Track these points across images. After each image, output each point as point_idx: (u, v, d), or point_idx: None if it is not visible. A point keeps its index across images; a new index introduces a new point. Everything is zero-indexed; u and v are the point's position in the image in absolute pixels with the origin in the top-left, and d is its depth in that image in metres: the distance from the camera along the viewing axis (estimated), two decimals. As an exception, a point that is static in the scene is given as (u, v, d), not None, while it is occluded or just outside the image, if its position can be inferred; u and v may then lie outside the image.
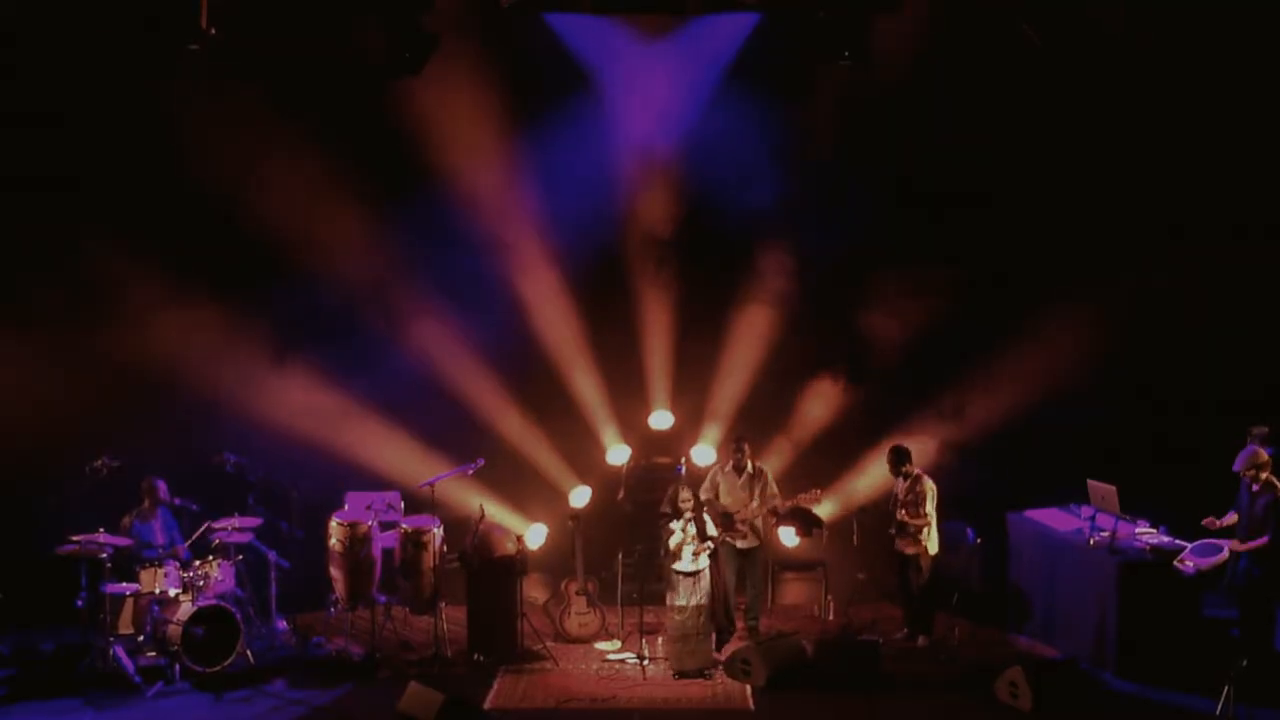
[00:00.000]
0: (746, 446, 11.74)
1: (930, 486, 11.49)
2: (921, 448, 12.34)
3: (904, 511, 11.50)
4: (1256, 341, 12.98)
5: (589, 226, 13.40)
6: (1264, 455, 10.52)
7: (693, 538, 10.91)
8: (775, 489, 11.73)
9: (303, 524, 12.11)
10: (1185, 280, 13.25)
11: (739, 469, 11.69)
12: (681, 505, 10.99)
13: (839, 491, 13.05)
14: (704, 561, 10.97)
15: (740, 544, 11.64)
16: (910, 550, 11.54)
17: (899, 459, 11.64)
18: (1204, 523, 10.74)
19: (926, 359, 13.37)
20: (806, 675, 10.80)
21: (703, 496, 11.58)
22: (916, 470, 11.61)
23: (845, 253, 13.51)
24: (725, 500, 11.64)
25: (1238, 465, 10.58)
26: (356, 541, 11.57)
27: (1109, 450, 12.77)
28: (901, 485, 11.61)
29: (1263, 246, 12.98)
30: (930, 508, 11.46)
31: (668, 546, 10.99)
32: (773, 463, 12.48)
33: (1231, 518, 10.70)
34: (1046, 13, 11.99)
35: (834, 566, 12.75)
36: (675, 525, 10.97)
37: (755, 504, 11.58)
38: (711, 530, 11.09)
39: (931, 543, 11.54)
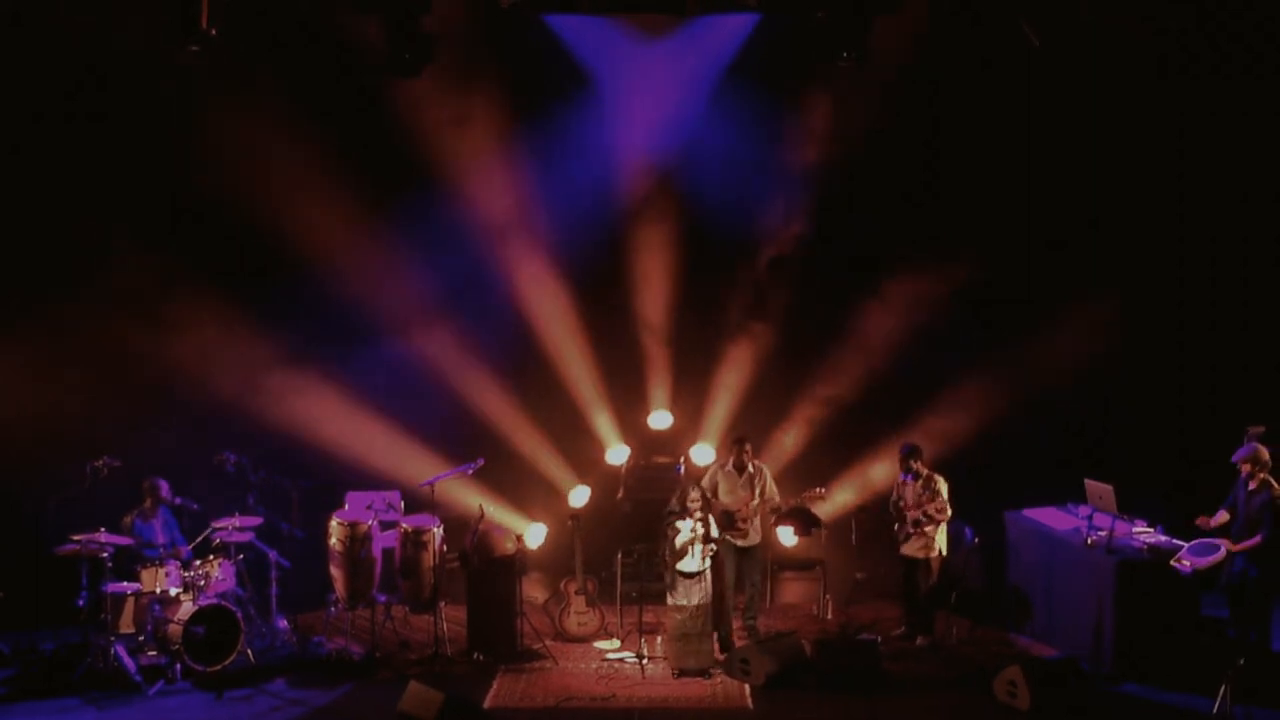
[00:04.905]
0: (748, 446, 11.78)
1: (944, 484, 11.51)
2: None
3: (930, 508, 11.45)
4: (1254, 340, 13.02)
5: (589, 226, 13.42)
6: (1265, 454, 10.53)
7: (700, 538, 10.94)
8: (775, 488, 11.76)
9: (303, 523, 12.13)
10: (1184, 279, 13.30)
11: (739, 468, 11.72)
12: (690, 505, 11.01)
13: (838, 491, 13.07)
14: (706, 562, 11.00)
15: (740, 542, 11.66)
16: (923, 554, 11.54)
17: (910, 455, 11.63)
18: (1197, 522, 10.76)
19: (926, 358, 13.40)
20: (805, 674, 10.81)
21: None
22: (926, 469, 11.61)
23: (845, 251, 13.56)
24: (725, 499, 11.65)
25: (1238, 456, 10.59)
26: (356, 541, 11.61)
27: (1106, 449, 12.81)
28: (912, 485, 11.60)
29: (1260, 246, 13.02)
30: (946, 502, 11.49)
31: (673, 545, 11.00)
32: (771, 462, 12.50)
33: (1223, 516, 10.73)
34: (1046, 12, 12.00)
35: (832, 566, 12.76)
36: (682, 525, 10.98)
37: (756, 502, 11.61)
38: (714, 532, 11.11)
39: (943, 544, 11.56)
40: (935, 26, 12.45)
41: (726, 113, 13.25)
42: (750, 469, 11.71)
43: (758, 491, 11.64)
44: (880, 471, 13.08)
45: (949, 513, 11.51)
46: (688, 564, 10.94)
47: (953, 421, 13.25)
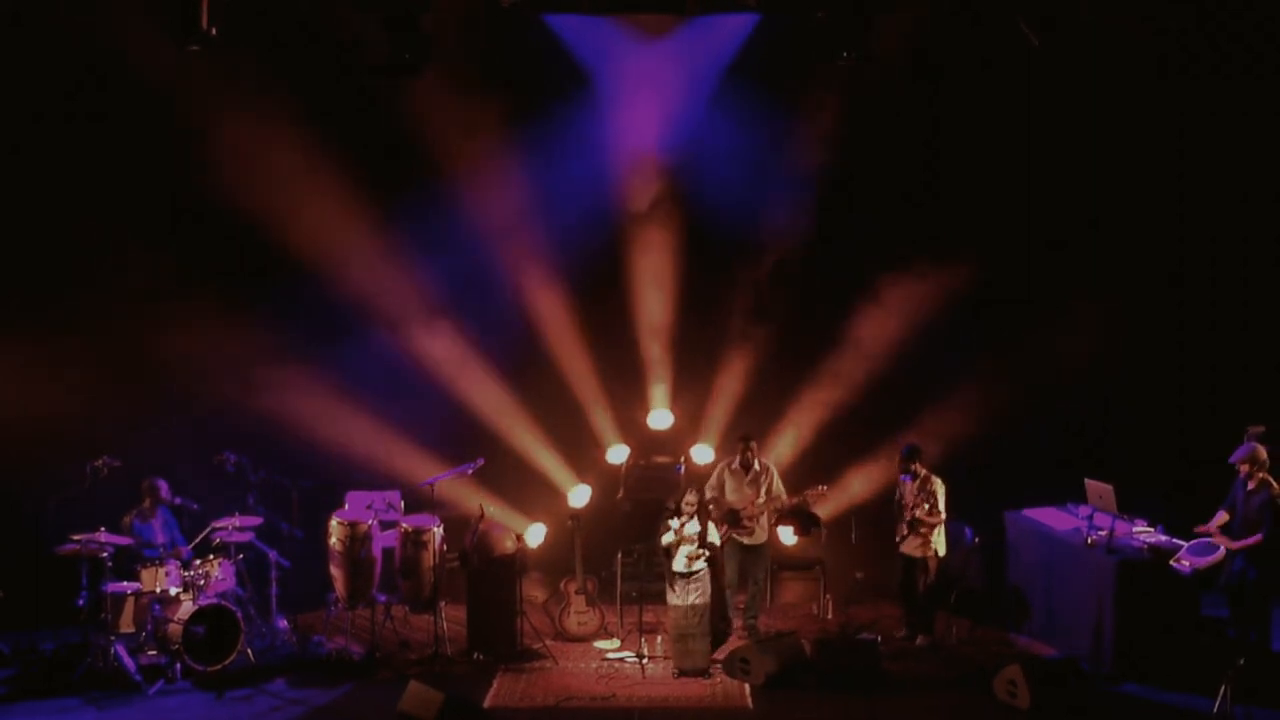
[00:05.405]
0: (753, 444, 11.80)
1: (941, 485, 11.52)
2: None
3: (919, 511, 11.48)
4: (1254, 340, 13.01)
5: (588, 226, 13.42)
6: (1264, 453, 10.53)
7: (689, 539, 10.94)
8: (780, 486, 11.79)
9: (303, 523, 12.13)
10: (1184, 280, 13.30)
11: (745, 466, 11.75)
12: (684, 507, 11.02)
13: (838, 490, 13.06)
14: (700, 564, 11.00)
15: (746, 540, 11.69)
16: (919, 553, 11.56)
17: (910, 456, 11.65)
18: (1196, 530, 10.77)
19: (926, 359, 13.40)
20: (805, 674, 10.81)
21: (707, 494, 11.62)
22: (924, 470, 11.62)
23: (845, 252, 13.55)
24: (731, 497, 11.69)
25: (1236, 457, 10.60)
26: (356, 540, 11.61)
27: (1106, 449, 12.81)
28: (910, 485, 11.62)
29: (1260, 246, 13.02)
30: (942, 505, 11.48)
31: (660, 544, 11.02)
32: (772, 462, 12.50)
33: (1222, 516, 10.73)
34: (1046, 12, 12.00)
35: (832, 565, 12.77)
36: (672, 523, 11.00)
37: (761, 500, 11.63)
38: (713, 537, 11.11)
39: (940, 544, 11.57)
40: (935, 27, 12.44)
41: (726, 113, 13.25)
42: (756, 467, 11.76)
43: (763, 490, 11.67)
44: (880, 471, 13.06)
45: (941, 517, 11.50)
46: (676, 564, 10.97)
47: (953, 421, 13.24)
